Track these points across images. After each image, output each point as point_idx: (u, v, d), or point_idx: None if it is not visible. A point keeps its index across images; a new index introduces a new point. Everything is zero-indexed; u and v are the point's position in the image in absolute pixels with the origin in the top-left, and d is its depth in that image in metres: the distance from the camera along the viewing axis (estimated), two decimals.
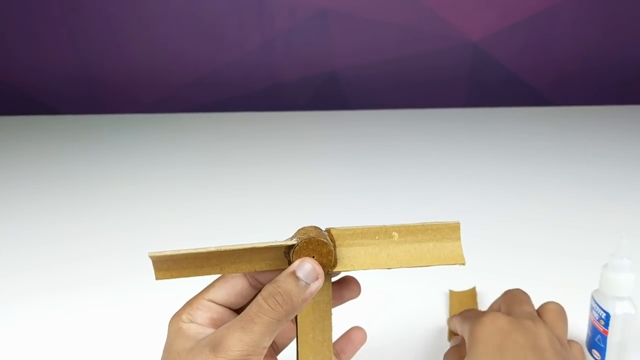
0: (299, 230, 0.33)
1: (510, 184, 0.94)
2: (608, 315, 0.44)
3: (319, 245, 0.32)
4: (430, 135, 1.23)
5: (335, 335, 0.38)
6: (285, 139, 1.24)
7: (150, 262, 0.31)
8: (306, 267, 0.32)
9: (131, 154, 1.17)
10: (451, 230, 0.34)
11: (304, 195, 0.93)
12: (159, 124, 1.40)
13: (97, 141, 1.28)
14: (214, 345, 0.31)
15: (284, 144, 1.21)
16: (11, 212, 0.90)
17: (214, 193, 0.95)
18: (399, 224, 0.34)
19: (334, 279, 0.36)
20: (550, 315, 0.43)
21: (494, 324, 0.40)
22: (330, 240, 0.33)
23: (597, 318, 0.45)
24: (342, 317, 0.40)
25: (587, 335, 0.48)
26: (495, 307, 0.47)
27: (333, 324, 0.35)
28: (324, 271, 0.32)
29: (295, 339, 0.35)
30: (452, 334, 0.52)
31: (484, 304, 0.58)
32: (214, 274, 0.32)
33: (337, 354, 0.39)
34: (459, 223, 0.34)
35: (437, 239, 0.34)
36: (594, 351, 0.46)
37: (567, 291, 0.57)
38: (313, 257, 0.32)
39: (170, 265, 0.31)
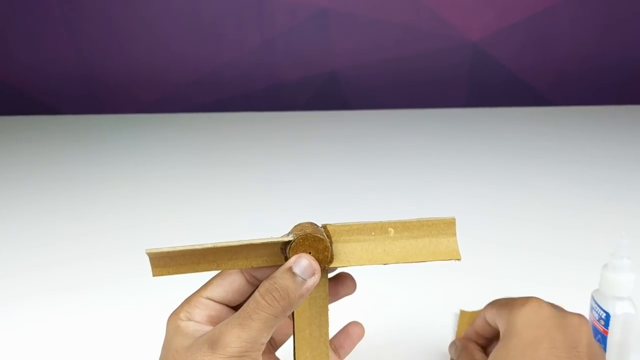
0: (295, 226, 0.33)
1: (509, 183, 0.94)
2: (608, 315, 0.44)
3: (315, 241, 0.32)
4: (430, 135, 1.23)
5: (333, 331, 0.38)
6: (285, 139, 1.24)
7: (148, 260, 0.31)
8: (303, 263, 0.32)
9: (131, 154, 1.17)
10: (447, 226, 0.34)
11: (304, 195, 0.93)
12: (159, 124, 1.40)
13: (97, 141, 1.28)
14: (212, 342, 0.31)
15: (284, 144, 1.21)
16: (11, 212, 0.90)
17: (214, 193, 0.95)
18: (394, 220, 0.34)
19: (329, 275, 0.36)
20: None
21: (537, 315, 0.38)
22: (327, 236, 0.33)
23: (597, 318, 0.45)
24: (340, 314, 0.40)
25: None
26: None
27: (330, 320, 0.35)
28: (321, 267, 0.32)
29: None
30: None
31: None
32: (211, 270, 0.32)
33: (335, 350, 0.39)
34: (454, 219, 0.35)
35: (433, 234, 0.34)
36: None
37: (567, 291, 0.57)
38: (309, 253, 0.32)
39: (167, 262, 0.31)
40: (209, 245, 0.31)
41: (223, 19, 1.46)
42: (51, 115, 1.51)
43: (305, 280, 0.32)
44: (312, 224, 0.34)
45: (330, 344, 0.39)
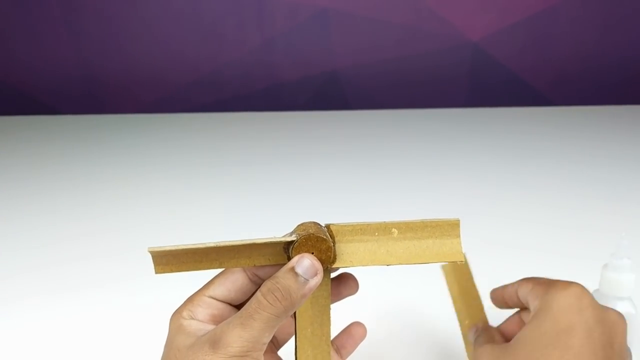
0: (298, 226, 0.33)
1: (509, 183, 0.94)
2: None
3: (318, 241, 0.32)
4: (430, 135, 1.23)
5: (335, 332, 0.38)
6: (285, 139, 1.24)
7: (150, 259, 0.31)
8: (305, 263, 0.32)
9: (131, 154, 1.17)
10: (451, 228, 0.34)
11: (304, 195, 0.93)
12: (160, 124, 1.40)
13: (97, 141, 1.28)
14: (214, 341, 0.31)
15: (284, 144, 1.21)
16: (11, 212, 0.90)
17: (214, 193, 0.95)
18: (398, 221, 0.34)
19: (332, 275, 0.36)
20: None
21: (578, 301, 0.36)
22: (330, 236, 0.33)
23: None
24: (342, 314, 0.40)
25: None
26: None
27: (332, 320, 0.35)
28: (323, 267, 0.32)
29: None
30: (469, 345, 0.45)
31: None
32: (213, 268, 0.32)
33: (337, 350, 0.39)
34: (458, 220, 0.34)
35: (437, 236, 0.34)
36: None
37: None
38: (312, 253, 0.32)
39: (169, 260, 0.31)
40: (212, 245, 0.31)
41: (223, 19, 1.46)
42: (51, 115, 1.51)
43: (308, 280, 0.31)
44: (315, 223, 0.34)
45: (333, 344, 0.39)
